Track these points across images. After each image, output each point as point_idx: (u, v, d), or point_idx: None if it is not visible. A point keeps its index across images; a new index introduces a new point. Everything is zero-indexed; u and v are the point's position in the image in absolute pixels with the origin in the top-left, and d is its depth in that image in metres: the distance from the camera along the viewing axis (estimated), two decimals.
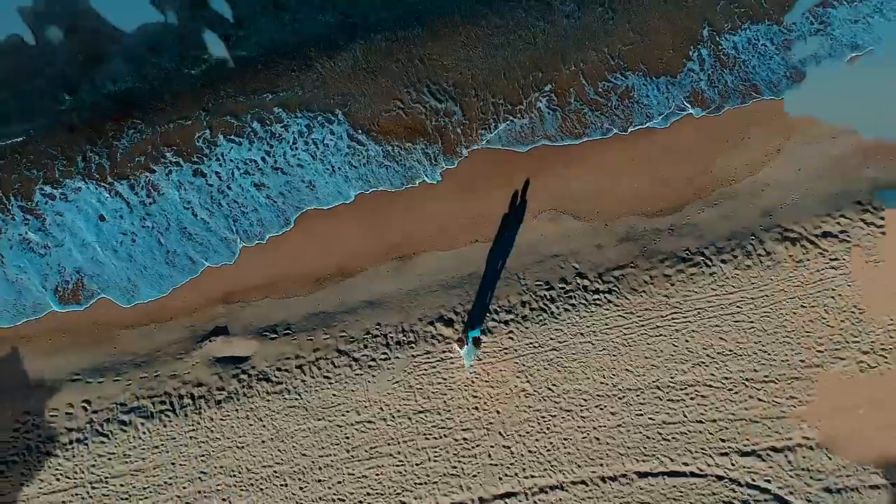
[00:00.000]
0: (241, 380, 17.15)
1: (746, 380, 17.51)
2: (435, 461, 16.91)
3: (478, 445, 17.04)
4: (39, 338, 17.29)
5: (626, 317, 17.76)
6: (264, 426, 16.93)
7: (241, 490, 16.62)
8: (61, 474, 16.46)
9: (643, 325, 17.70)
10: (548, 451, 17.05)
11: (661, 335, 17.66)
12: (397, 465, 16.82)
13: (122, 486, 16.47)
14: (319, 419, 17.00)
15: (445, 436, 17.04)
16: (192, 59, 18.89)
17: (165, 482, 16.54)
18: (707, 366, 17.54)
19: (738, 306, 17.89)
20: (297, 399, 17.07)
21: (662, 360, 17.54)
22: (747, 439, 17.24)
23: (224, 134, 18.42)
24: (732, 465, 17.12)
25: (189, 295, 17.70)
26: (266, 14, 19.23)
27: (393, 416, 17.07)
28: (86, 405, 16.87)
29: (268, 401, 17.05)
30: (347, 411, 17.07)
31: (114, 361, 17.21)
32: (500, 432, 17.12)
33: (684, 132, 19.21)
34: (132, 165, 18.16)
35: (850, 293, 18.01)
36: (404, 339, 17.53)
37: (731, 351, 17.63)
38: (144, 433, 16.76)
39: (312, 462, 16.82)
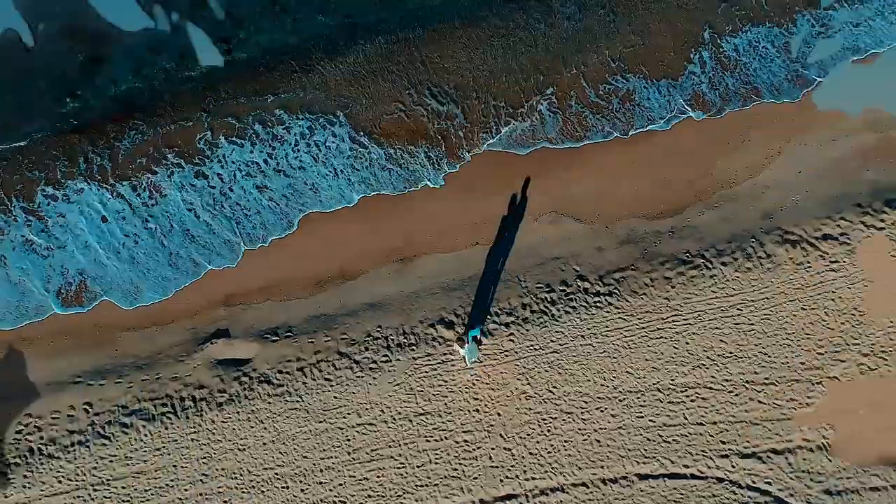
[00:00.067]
0: (242, 382, 17.17)
1: (747, 382, 17.55)
2: (436, 463, 16.94)
3: (479, 447, 17.07)
4: (41, 340, 17.30)
5: (626, 319, 17.79)
6: (265, 428, 16.95)
7: (243, 492, 16.64)
8: (63, 476, 16.48)
9: (644, 328, 17.73)
10: (548, 453, 17.08)
11: (661, 337, 17.69)
12: (398, 468, 16.85)
13: (123, 488, 16.49)
14: (320, 421, 17.02)
15: (446, 438, 17.07)
16: (193, 60, 18.90)
17: (167, 484, 16.56)
18: (707, 368, 17.57)
19: (738, 309, 17.92)
20: (298, 401, 17.09)
21: (663, 362, 17.57)
22: (748, 441, 17.28)
23: (225, 136, 18.42)
24: (733, 467, 17.16)
25: (190, 297, 17.72)
26: (266, 15, 19.23)
27: (394, 419, 17.10)
28: (87, 407, 16.88)
29: (269, 403, 17.07)
30: (348, 413, 17.10)
31: (115, 364, 17.22)
32: (500, 434, 17.15)
33: (685, 135, 19.24)
34: (134, 167, 18.17)
35: (851, 295, 18.05)
36: (405, 341, 17.55)
37: (731, 353, 17.67)
38: (146, 435, 16.78)
39: (314, 464, 16.84)
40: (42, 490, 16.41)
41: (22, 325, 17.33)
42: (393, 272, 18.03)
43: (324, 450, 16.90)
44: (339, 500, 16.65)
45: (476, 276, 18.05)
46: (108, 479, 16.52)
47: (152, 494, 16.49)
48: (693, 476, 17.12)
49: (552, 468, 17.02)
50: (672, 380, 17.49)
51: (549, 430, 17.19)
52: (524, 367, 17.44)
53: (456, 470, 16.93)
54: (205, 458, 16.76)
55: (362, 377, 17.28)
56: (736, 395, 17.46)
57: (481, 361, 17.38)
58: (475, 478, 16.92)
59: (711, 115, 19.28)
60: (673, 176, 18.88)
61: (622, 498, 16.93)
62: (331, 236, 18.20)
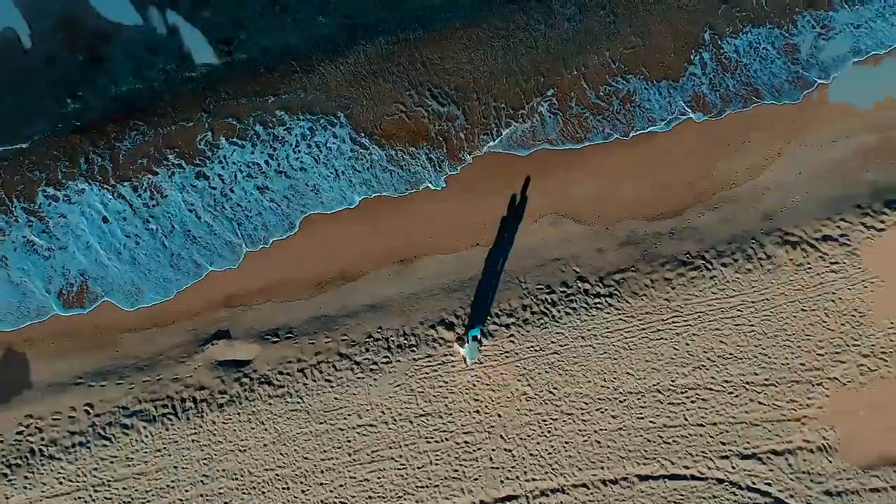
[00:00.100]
0: (242, 383, 17.18)
1: (747, 383, 17.57)
2: (436, 464, 16.96)
3: (479, 449, 17.09)
4: (42, 341, 17.31)
5: (626, 320, 17.81)
6: (266, 430, 16.96)
7: (244, 493, 16.65)
8: (64, 478, 16.48)
9: (644, 329, 17.75)
10: (549, 454, 17.10)
11: (661, 339, 17.71)
12: (399, 469, 16.87)
13: (124, 489, 16.50)
14: (321, 422, 17.04)
15: (447, 439, 17.08)
16: (193, 61, 18.89)
17: (168, 485, 16.57)
18: (708, 369, 17.59)
19: (738, 310, 17.94)
20: (298, 402, 17.11)
21: (663, 363, 17.59)
22: (748, 442, 17.30)
23: (226, 136, 18.43)
24: (733, 468, 17.18)
25: (191, 298, 17.72)
26: (267, 16, 19.23)
27: (394, 420, 17.11)
28: (88, 409, 16.89)
29: (270, 404, 17.09)
30: (349, 415, 17.11)
31: (116, 365, 17.23)
32: (501, 435, 17.17)
33: (685, 136, 19.25)
34: (134, 167, 18.18)
35: (851, 297, 18.07)
36: (406, 342, 17.56)
37: (731, 354, 17.69)
38: (147, 436, 16.79)
39: (314, 465, 16.86)
40: (43, 491, 16.42)
41: (23, 326, 17.34)
42: (393, 273, 18.04)
43: (324, 451, 16.92)
44: (340, 502, 16.66)
45: (476, 278, 18.07)
46: (109, 480, 16.53)
47: (153, 495, 16.50)
48: (693, 477, 17.14)
49: (552, 469, 17.04)
50: (672, 381, 17.51)
51: (549, 432, 17.21)
52: (525, 369, 17.46)
53: (456, 471, 16.95)
54: (205, 459, 16.77)
55: (363, 378, 17.30)
56: (736, 396, 17.48)
57: (481, 362, 17.40)
58: (476, 479, 16.94)
59: (712, 117, 19.28)
60: (673, 177, 18.90)
61: (622, 499, 16.94)
62: (331, 237, 18.21)
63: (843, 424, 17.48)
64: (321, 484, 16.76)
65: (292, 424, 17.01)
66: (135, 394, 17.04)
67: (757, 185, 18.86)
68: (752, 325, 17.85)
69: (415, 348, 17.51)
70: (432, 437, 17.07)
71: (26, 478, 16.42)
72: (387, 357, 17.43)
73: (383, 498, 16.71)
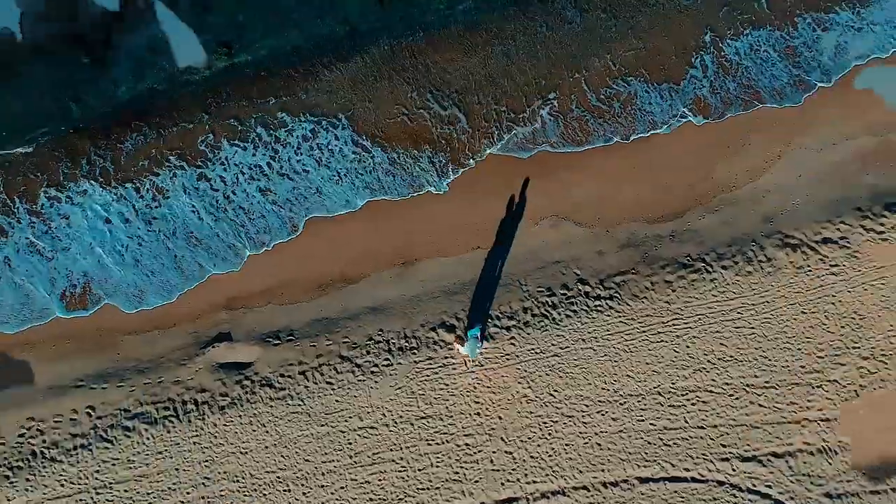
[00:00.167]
0: (244, 386, 17.20)
1: (747, 385, 17.60)
2: (437, 467, 16.99)
3: (480, 451, 17.12)
4: (44, 344, 17.33)
5: (627, 323, 17.84)
6: (267, 432, 16.99)
7: (245, 496, 16.69)
8: (66, 480, 16.52)
9: (644, 331, 17.78)
10: (549, 456, 17.14)
11: (662, 341, 17.74)
12: (400, 471, 16.90)
13: (126, 491, 16.54)
14: (322, 425, 17.07)
15: (448, 441, 17.12)
16: (195, 62, 18.87)
17: (169, 488, 16.60)
18: (708, 371, 17.62)
19: (738, 312, 17.97)
20: (299, 405, 17.13)
21: (664, 365, 17.62)
22: (748, 445, 17.34)
23: (227, 138, 18.42)
24: (733, 470, 17.22)
25: (192, 301, 17.74)
26: (268, 18, 19.21)
27: (395, 422, 17.14)
28: (90, 411, 16.92)
29: (271, 406, 17.11)
30: (350, 417, 17.14)
31: (117, 367, 17.25)
32: (502, 438, 17.20)
33: (685, 138, 19.23)
34: (136, 169, 18.17)
35: (851, 299, 18.10)
36: (407, 344, 17.59)
37: (731, 357, 17.72)
38: (148, 439, 16.82)
39: (315, 468, 16.89)
40: (44, 493, 16.45)
41: (25, 328, 17.36)
42: (394, 276, 18.06)
43: (325, 453, 16.95)
44: None
45: (477, 280, 18.09)
46: (111, 483, 16.57)
47: (154, 498, 16.53)
48: (694, 479, 17.18)
49: (553, 471, 17.08)
50: (673, 383, 17.55)
51: (549, 434, 17.25)
52: (525, 371, 17.49)
53: (457, 473, 16.98)
54: (207, 461, 16.80)
55: (364, 381, 17.32)
56: (736, 398, 17.52)
57: (482, 364, 17.42)
58: (476, 481, 16.97)
59: (713, 120, 19.27)
60: (673, 180, 18.90)
61: (623, 501, 16.99)
62: (332, 239, 18.22)
63: (843, 426, 17.51)
64: (322, 486, 16.80)
65: (293, 427, 17.03)
66: (136, 396, 17.06)
67: (757, 188, 18.87)
68: (753, 328, 17.88)
69: (416, 351, 17.54)
70: (433, 440, 17.10)
71: (28, 480, 16.46)
72: (388, 359, 17.46)
73: (384, 500, 16.75)
